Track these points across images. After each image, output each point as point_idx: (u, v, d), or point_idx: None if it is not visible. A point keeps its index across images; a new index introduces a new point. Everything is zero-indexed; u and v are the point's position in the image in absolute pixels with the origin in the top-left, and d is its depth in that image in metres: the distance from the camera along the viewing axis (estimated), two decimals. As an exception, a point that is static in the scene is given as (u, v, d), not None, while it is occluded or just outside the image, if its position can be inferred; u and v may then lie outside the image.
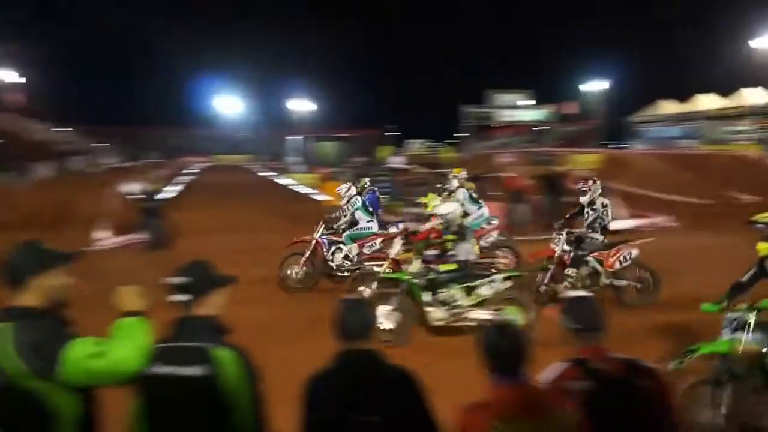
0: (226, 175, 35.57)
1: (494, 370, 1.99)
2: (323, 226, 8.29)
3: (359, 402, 2.05)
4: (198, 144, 59.40)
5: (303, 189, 23.95)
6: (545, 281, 6.93)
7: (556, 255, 6.98)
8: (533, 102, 56.14)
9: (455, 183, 9.03)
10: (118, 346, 2.02)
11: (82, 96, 54.53)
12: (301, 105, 57.63)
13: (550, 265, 6.99)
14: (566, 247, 6.98)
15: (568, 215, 7.49)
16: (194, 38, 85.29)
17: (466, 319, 5.73)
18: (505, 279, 5.87)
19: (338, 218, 8.49)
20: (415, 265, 5.86)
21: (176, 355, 2.09)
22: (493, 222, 8.68)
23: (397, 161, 25.47)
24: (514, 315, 5.62)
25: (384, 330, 5.54)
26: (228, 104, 64.38)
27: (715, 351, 3.45)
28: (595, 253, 6.89)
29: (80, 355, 1.98)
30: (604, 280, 6.83)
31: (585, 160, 21.95)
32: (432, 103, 72.58)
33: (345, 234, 8.18)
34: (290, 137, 52.60)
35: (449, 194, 8.84)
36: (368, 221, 8.31)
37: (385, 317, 5.60)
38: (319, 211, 11.86)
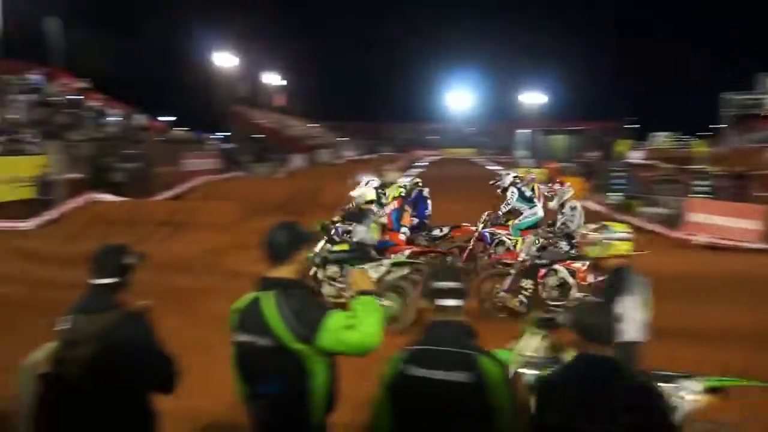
0: (453, 168, 37.09)
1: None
2: (487, 218, 8.34)
3: (600, 411, 2.01)
4: (428, 138, 63.07)
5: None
6: (503, 289, 6.48)
7: (518, 260, 6.51)
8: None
9: (508, 180, 8.84)
10: (366, 322, 2.24)
11: (328, 95, 62.14)
12: (533, 98, 56.50)
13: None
14: (535, 253, 6.51)
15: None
16: (429, 36, 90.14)
17: (345, 298, 5.83)
18: (395, 264, 6.24)
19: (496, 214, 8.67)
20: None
21: (438, 359, 2.19)
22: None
23: (637, 156, 23.34)
24: (388, 303, 5.86)
25: None
26: (459, 99, 66.69)
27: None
28: (567, 263, 6.35)
29: (337, 325, 2.23)
30: (575, 293, 6.16)
31: None
32: (680, 91, 63.65)
33: (511, 226, 8.37)
34: (519, 130, 52.09)
35: (502, 191, 8.77)
36: (530, 210, 8.46)
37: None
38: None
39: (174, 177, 19.93)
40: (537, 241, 6.67)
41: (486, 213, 8.41)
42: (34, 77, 22.43)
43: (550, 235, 6.91)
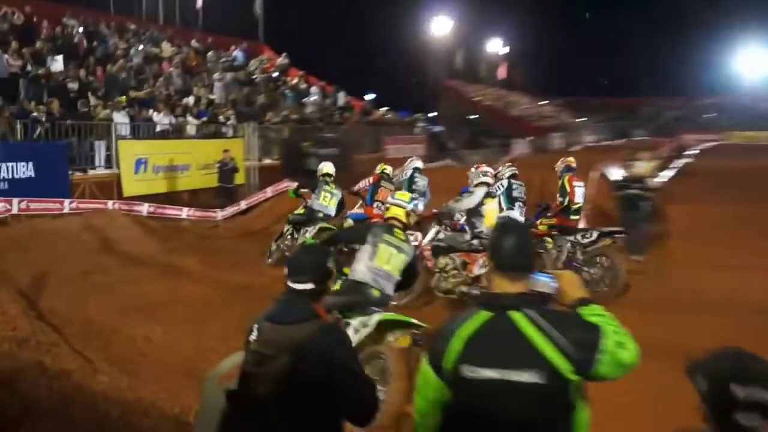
0: (742, 158, 33.07)
1: None
2: None
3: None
4: (701, 118, 57.30)
5: None
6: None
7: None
8: None
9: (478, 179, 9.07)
10: (626, 336, 2.27)
11: (564, 64, 60.13)
12: None
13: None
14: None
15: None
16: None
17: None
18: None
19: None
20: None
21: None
22: None
23: None
24: None
25: None
26: (753, 63, 59.46)
27: None
28: (463, 254, 8.03)
29: (613, 344, 2.25)
30: (462, 288, 7.84)
31: None
32: None
33: None
34: None
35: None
36: None
37: None
38: None
39: (375, 165, 20.98)
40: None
41: None
42: (236, 53, 25.63)
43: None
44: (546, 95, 56.29)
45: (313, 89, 25.32)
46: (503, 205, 9.00)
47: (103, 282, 9.08)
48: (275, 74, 25.54)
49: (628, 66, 61.55)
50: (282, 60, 27.01)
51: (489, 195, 8.52)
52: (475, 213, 8.33)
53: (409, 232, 6.37)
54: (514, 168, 9.90)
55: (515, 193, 9.25)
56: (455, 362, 2.35)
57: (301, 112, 22.59)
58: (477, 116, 41.65)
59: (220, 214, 15.18)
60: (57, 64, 15.87)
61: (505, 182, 9.22)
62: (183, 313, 7.82)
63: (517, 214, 9.06)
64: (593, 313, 2.38)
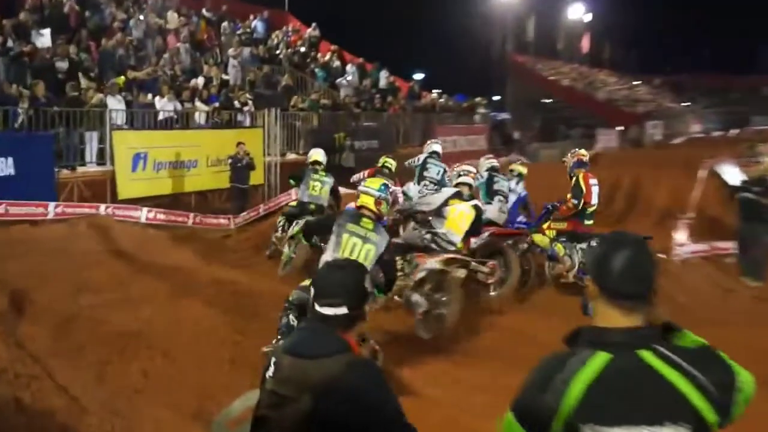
0: None
1: None
2: None
3: None
4: None
5: None
6: None
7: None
8: None
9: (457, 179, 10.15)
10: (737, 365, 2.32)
11: (659, 35, 59.25)
12: None
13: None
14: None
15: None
16: None
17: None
18: None
19: None
20: None
21: None
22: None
23: None
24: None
25: None
26: None
27: None
28: (418, 255, 8.70)
29: (745, 378, 2.30)
30: (406, 292, 8.34)
31: None
32: None
33: None
34: None
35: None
36: None
37: None
38: None
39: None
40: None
41: None
42: (255, 23, 25.93)
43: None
44: (640, 74, 55.57)
45: (349, 68, 25.55)
46: (482, 199, 10.39)
47: (93, 303, 9.21)
48: (302, 49, 25.81)
49: (746, 36, 60.24)
50: (311, 32, 27.31)
51: (456, 196, 9.39)
52: (437, 213, 9.13)
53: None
54: (493, 160, 11.79)
55: (496, 186, 10.84)
56: (571, 421, 2.23)
57: (333, 96, 22.76)
58: (553, 100, 41.26)
59: (233, 222, 15.42)
60: (43, 39, 16.24)
61: (485, 174, 10.82)
62: (187, 342, 7.89)
63: (496, 209, 10.58)
64: (696, 342, 2.37)
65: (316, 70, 24.65)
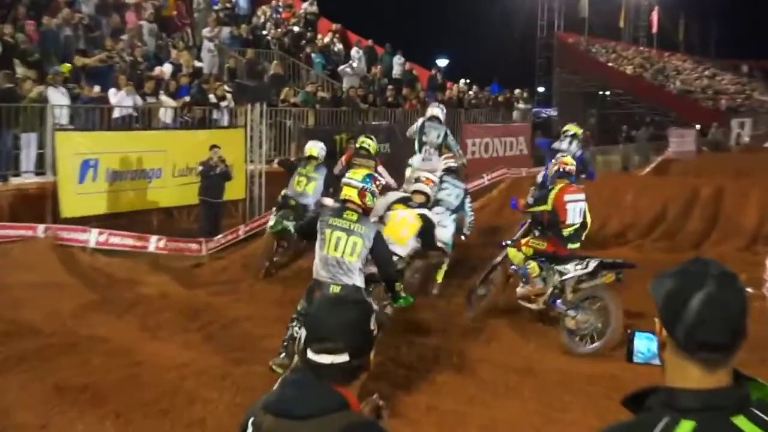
0: None
1: None
2: None
3: None
4: None
5: None
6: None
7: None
8: None
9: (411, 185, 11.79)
10: None
11: (747, 12, 59.30)
12: None
13: None
14: None
15: None
16: None
17: None
18: None
19: None
20: None
21: None
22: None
23: None
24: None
25: None
26: None
27: None
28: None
29: None
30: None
31: None
32: None
33: None
34: None
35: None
36: None
37: None
38: None
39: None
40: None
41: None
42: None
43: None
44: (723, 60, 55.56)
45: (354, 52, 25.53)
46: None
47: (25, 353, 9.21)
48: (296, 29, 25.88)
49: None
50: (307, 7, 27.42)
51: (402, 201, 10.66)
52: (381, 220, 10.13)
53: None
54: (451, 161, 12.79)
55: (440, 195, 11.97)
56: None
57: (334, 89, 22.84)
58: (612, 92, 41.28)
59: (205, 247, 15.36)
60: (-32, 17, 16.33)
61: (439, 173, 12.21)
62: (143, 401, 7.90)
63: (450, 221, 11.82)
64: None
65: (313, 55, 24.69)
